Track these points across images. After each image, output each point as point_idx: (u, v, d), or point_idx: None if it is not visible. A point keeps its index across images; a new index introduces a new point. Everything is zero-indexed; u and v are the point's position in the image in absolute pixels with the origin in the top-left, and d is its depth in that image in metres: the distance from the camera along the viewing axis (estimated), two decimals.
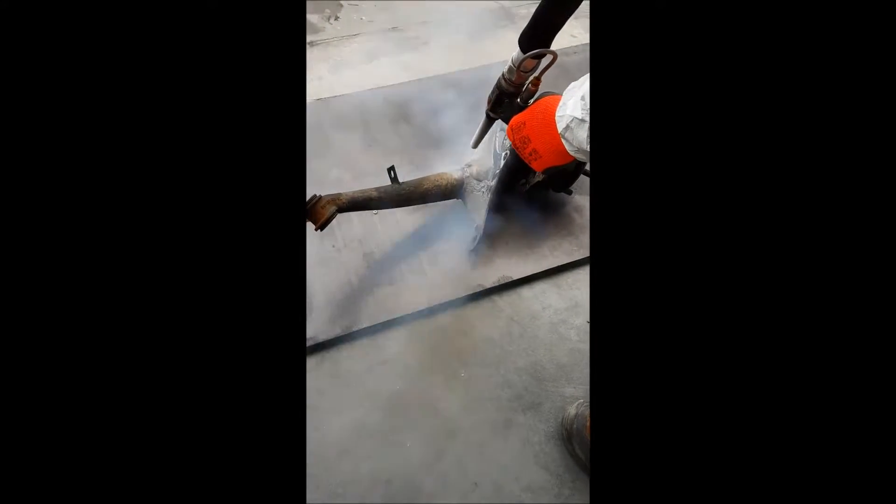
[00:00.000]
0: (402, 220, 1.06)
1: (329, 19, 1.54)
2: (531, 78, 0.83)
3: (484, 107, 0.92)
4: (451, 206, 1.08)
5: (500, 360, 0.91)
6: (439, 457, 0.81)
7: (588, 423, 0.77)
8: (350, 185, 1.02)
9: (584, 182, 1.07)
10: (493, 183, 0.97)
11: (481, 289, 0.98)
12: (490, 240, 1.03)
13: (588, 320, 0.95)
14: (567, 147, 0.65)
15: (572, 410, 0.82)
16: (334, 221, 1.03)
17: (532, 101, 0.84)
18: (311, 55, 1.42)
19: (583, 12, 0.77)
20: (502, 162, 0.94)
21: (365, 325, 0.91)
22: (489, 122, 0.95)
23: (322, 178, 1.10)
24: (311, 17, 1.53)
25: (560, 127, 0.64)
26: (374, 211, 1.06)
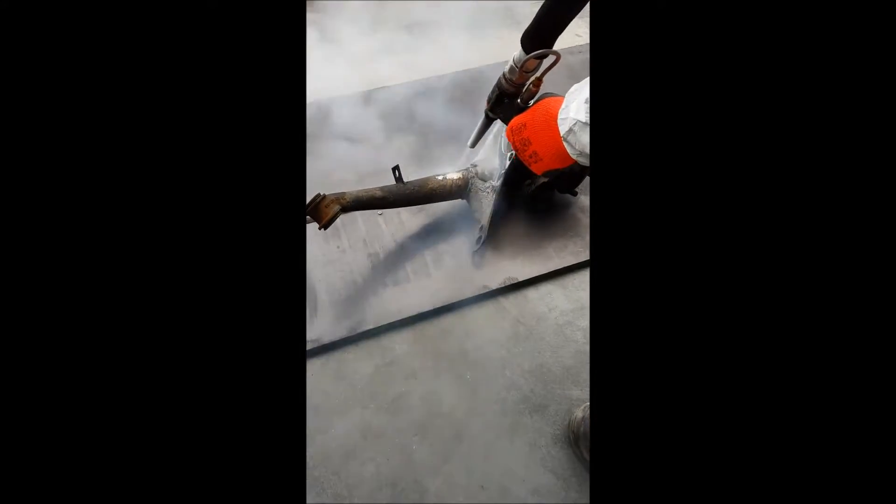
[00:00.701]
0: (406, 220, 1.05)
1: (332, 18, 1.54)
2: (533, 78, 0.82)
3: (483, 106, 0.92)
4: (456, 206, 1.07)
5: (506, 362, 0.91)
6: (445, 459, 0.81)
7: None
8: (354, 185, 1.02)
9: (589, 183, 1.06)
10: (497, 183, 0.96)
11: (487, 290, 0.97)
12: (495, 241, 1.03)
13: None
14: (569, 150, 0.64)
15: (579, 413, 0.82)
16: (339, 222, 1.02)
17: (533, 102, 0.83)
18: (312, 55, 1.42)
19: (588, 12, 0.76)
20: (507, 162, 0.93)
21: (370, 327, 0.91)
22: (488, 121, 0.94)
23: (326, 178, 1.10)
24: (312, 16, 1.53)
25: (562, 130, 0.64)
26: (379, 211, 1.05)
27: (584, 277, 1.03)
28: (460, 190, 1.01)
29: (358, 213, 1.04)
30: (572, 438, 0.81)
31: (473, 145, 0.99)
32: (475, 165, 1.01)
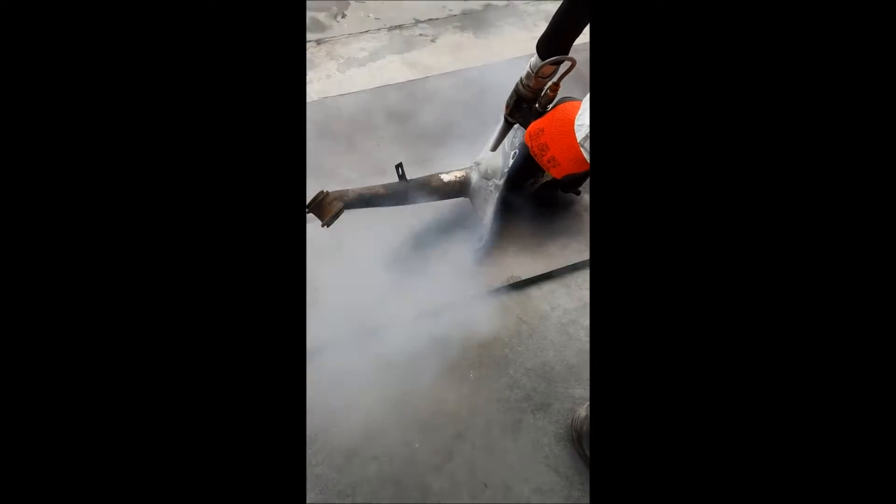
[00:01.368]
0: (409, 219, 1.05)
1: (336, 17, 1.54)
2: (550, 84, 0.82)
3: (502, 111, 0.91)
4: (460, 204, 1.07)
5: (509, 361, 0.91)
6: (448, 458, 0.81)
7: None
8: (357, 183, 1.02)
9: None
10: (501, 182, 0.96)
11: (490, 288, 0.97)
12: (499, 239, 1.03)
13: None
14: (586, 156, 0.64)
15: (582, 412, 0.82)
16: (342, 220, 1.02)
17: (550, 106, 0.83)
18: (318, 53, 1.42)
19: None
20: (511, 161, 0.93)
21: (372, 325, 0.91)
22: (507, 126, 0.94)
23: (329, 176, 1.10)
24: (318, 15, 1.53)
25: (579, 136, 0.64)
26: (382, 210, 1.05)
27: (587, 276, 1.02)
28: (463, 188, 1.01)
29: (361, 211, 1.04)
30: (575, 437, 0.81)
31: (494, 149, 0.99)
32: (479, 164, 1.01)
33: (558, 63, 0.78)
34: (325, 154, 1.14)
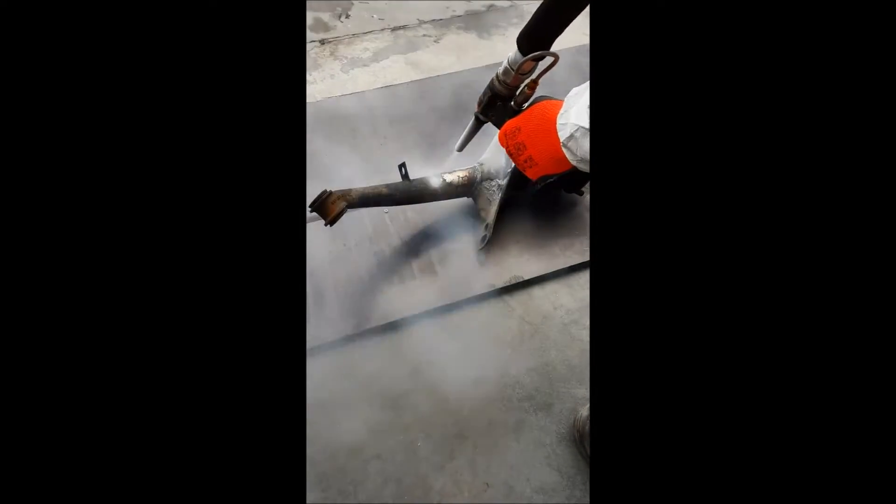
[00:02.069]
0: (412, 218, 1.05)
1: (340, 17, 1.54)
2: (528, 81, 0.78)
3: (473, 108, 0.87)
4: (462, 204, 1.07)
5: (512, 361, 0.91)
6: (450, 456, 0.81)
7: None
8: (360, 183, 1.02)
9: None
10: (503, 182, 0.96)
11: (492, 288, 0.97)
12: (501, 239, 1.03)
13: None
14: (569, 157, 0.62)
15: (584, 412, 0.82)
16: (345, 220, 1.03)
17: (527, 105, 0.79)
18: (322, 53, 1.42)
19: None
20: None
21: (376, 324, 0.91)
22: (478, 124, 0.90)
23: (332, 176, 1.10)
24: (322, 15, 1.53)
25: (562, 136, 0.61)
26: (385, 209, 1.05)
27: (589, 276, 1.02)
28: (466, 188, 1.01)
29: (364, 212, 1.05)
30: (577, 437, 0.81)
31: (461, 149, 0.95)
32: (482, 164, 1.01)
33: (540, 58, 0.74)
34: (328, 154, 1.14)
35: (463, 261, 1.00)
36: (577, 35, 1.45)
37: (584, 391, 0.88)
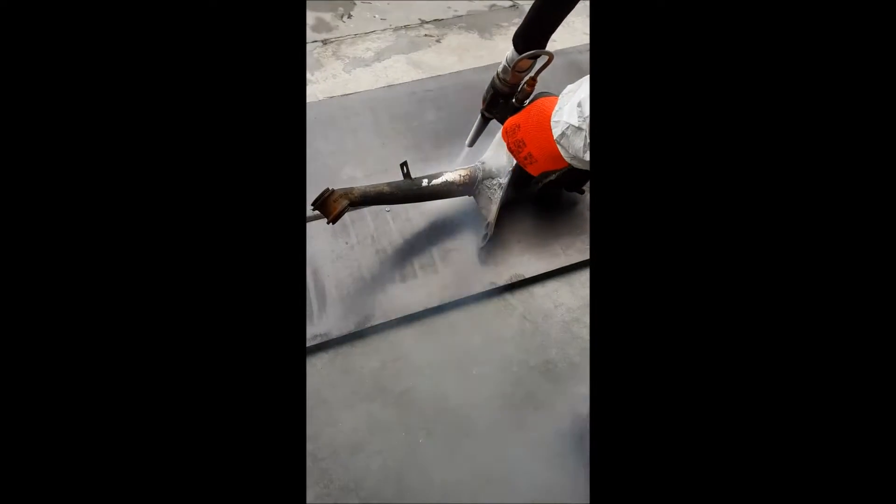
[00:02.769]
0: (414, 217, 1.06)
1: (342, 17, 1.54)
2: (527, 78, 0.80)
3: (479, 105, 0.90)
4: (464, 203, 1.08)
5: (513, 358, 0.91)
6: (451, 454, 0.81)
7: None
8: (362, 183, 1.03)
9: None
10: (505, 181, 0.96)
11: (493, 286, 0.97)
12: (502, 238, 1.03)
13: None
14: (562, 153, 0.63)
15: (585, 410, 0.82)
16: (347, 218, 1.03)
17: (528, 102, 0.81)
18: (324, 53, 1.43)
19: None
20: (515, 160, 0.93)
21: (378, 322, 0.91)
22: (484, 121, 0.92)
23: (335, 175, 1.11)
24: (325, 16, 1.54)
25: (556, 133, 0.62)
26: (387, 208, 1.06)
27: None
28: (468, 187, 1.01)
29: (366, 210, 1.05)
30: (578, 435, 0.82)
31: (472, 144, 0.98)
32: (483, 163, 1.01)
33: (535, 57, 0.76)
34: (330, 154, 1.15)
35: (464, 259, 1.01)
36: (574, 35, 1.45)
37: (584, 389, 0.88)
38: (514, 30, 1.55)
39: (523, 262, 1.01)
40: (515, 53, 0.77)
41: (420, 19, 1.55)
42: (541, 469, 0.80)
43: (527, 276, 0.99)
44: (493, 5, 1.61)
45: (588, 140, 0.56)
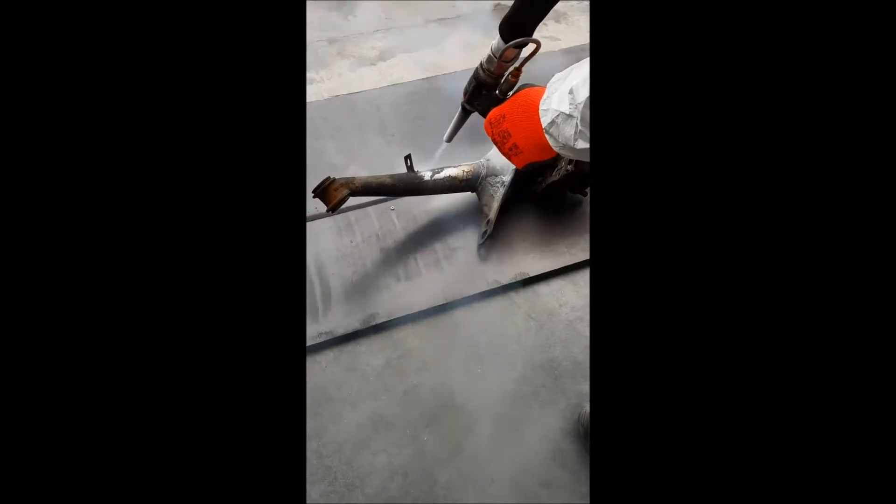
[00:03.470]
0: (418, 215, 1.06)
1: (347, 16, 1.55)
2: (511, 69, 0.77)
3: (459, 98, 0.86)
4: (468, 202, 1.08)
5: (517, 357, 0.91)
6: (456, 451, 0.81)
7: None
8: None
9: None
10: (508, 178, 0.96)
11: (498, 285, 0.98)
12: (507, 236, 1.03)
13: None
14: (551, 143, 0.61)
15: (588, 408, 0.82)
16: (352, 217, 1.04)
17: (511, 93, 0.77)
18: (330, 52, 1.43)
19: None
20: None
21: (382, 319, 0.92)
22: (465, 114, 0.89)
23: (340, 174, 1.10)
24: (330, 15, 1.54)
25: (545, 122, 0.60)
26: (392, 206, 1.06)
27: None
28: (470, 183, 1.01)
29: (371, 208, 1.05)
30: (582, 433, 0.82)
31: (450, 140, 0.94)
32: (488, 160, 1.01)
33: (522, 46, 0.74)
34: (335, 152, 1.15)
35: (468, 257, 1.01)
36: (582, 34, 1.45)
37: (588, 387, 0.88)
38: None
39: (528, 260, 1.01)
40: (501, 42, 0.74)
41: (425, 18, 1.55)
42: (544, 466, 0.81)
43: (531, 274, 0.99)
44: (498, 4, 1.61)
45: (580, 128, 0.55)
